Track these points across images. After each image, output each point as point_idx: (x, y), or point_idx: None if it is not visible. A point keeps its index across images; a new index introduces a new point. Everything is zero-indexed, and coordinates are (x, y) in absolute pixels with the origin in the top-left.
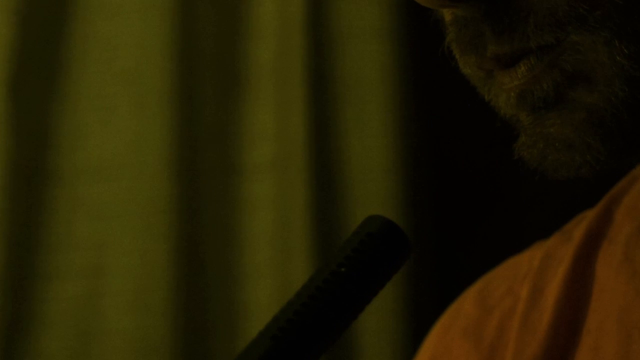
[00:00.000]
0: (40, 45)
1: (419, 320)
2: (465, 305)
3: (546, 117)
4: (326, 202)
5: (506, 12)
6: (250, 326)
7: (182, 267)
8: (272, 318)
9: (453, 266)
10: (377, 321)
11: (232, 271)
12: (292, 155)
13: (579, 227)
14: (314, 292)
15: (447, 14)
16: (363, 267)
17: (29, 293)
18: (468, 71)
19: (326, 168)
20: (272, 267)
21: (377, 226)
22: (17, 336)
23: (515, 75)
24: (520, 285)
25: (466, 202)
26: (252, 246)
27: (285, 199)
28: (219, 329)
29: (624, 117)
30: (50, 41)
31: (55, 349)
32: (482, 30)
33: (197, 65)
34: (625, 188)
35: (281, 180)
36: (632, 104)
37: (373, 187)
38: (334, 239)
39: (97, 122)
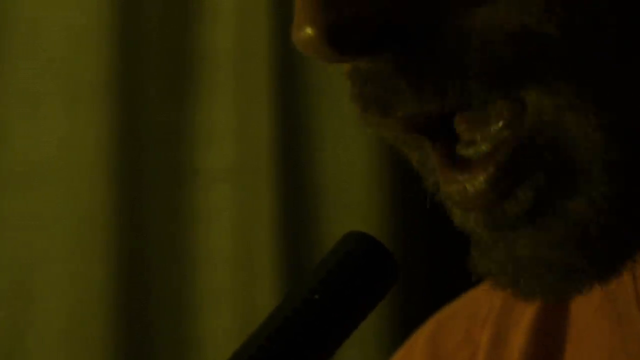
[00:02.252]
0: None
1: None
2: (415, 355)
3: (515, 236)
4: (296, 215)
5: (430, 60)
6: None
7: (123, 292)
8: (231, 355)
9: (448, 292)
10: (358, 358)
11: (183, 297)
12: (255, 159)
13: None
14: (282, 323)
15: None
16: (341, 293)
17: None
18: (382, 133)
19: (296, 174)
20: (231, 293)
21: (358, 244)
22: None
23: (472, 192)
24: (480, 330)
25: None
26: (207, 267)
27: (247, 211)
28: None
29: (614, 223)
30: None
31: None
32: (394, 86)
33: (140, 53)
34: None
35: (242, 189)
36: (622, 204)
37: (352, 197)
38: (306, 259)
39: (22, 120)
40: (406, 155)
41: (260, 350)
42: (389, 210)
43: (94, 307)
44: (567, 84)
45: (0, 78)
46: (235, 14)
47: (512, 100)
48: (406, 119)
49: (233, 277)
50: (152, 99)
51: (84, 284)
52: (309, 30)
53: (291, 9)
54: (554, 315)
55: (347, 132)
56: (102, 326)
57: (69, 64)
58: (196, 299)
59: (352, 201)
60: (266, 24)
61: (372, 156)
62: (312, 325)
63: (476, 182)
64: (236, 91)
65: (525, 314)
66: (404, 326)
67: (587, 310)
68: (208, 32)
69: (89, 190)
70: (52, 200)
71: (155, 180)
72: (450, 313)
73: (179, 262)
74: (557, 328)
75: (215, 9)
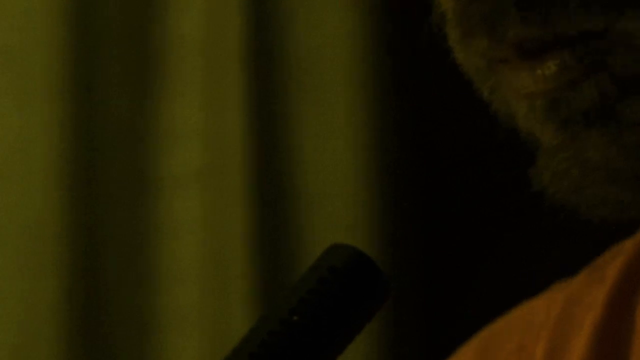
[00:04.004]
0: None
1: None
2: None
3: (585, 136)
4: (273, 225)
5: None
6: None
7: (77, 313)
8: None
9: (444, 312)
10: None
11: (145, 318)
12: (226, 162)
13: (613, 264)
14: (257, 349)
15: None
16: (323, 314)
17: None
18: (465, 58)
19: (273, 179)
20: (199, 313)
21: (343, 259)
22: None
23: (541, 75)
24: (534, 342)
25: (463, 228)
26: (172, 284)
27: (218, 221)
28: None
29: None
30: None
31: None
32: (503, 5)
33: (98, 44)
34: None
35: (212, 196)
36: None
37: (337, 205)
38: (284, 275)
39: None
40: (478, 83)
41: None
42: (379, 219)
43: (45, 328)
44: None
45: None
46: (206, 1)
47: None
48: (517, 41)
49: (202, 295)
50: (111, 95)
51: (34, 302)
52: None
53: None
54: (618, 323)
55: (330, 131)
56: (54, 348)
57: (17, 55)
58: (160, 320)
59: (336, 209)
60: (240, 11)
61: (360, 158)
62: (290, 350)
63: (546, 66)
64: (205, 86)
65: (586, 322)
66: (395, 351)
67: None
68: (174, 19)
69: (39, 198)
70: None
71: (113, 186)
72: (503, 324)
73: (141, 279)
74: (621, 338)
75: None
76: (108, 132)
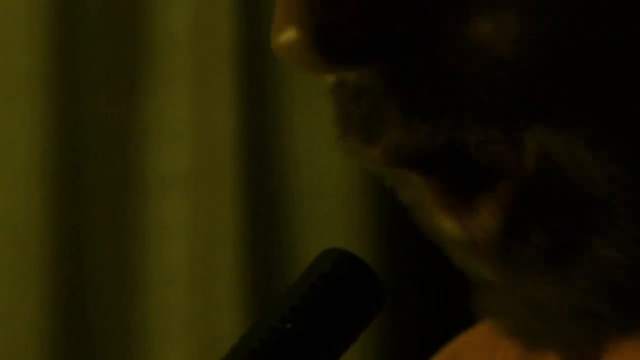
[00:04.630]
0: None
1: None
2: None
3: (531, 281)
4: (264, 228)
5: (427, 81)
6: None
7: (60, 322)
8: None
9: (443, 320)
10: None
11: (131, 325)
12: (215, 162)
13: None
14: (248, 358)
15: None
16: (317, 322)
17: None
18: (359, 161)
19: (264, 180)
20: (187, 320)
21: (337, 264)
22: None
23: (477, 227)
24: (505, 356)
25: None
26: (160, 290)
27: (207, 223)
28: None
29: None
30: None
31: None
32: (383, 106)
33: (83, 40)
34: None
35: (201, 197)
36: None
37: (331, 206)
38: (276, 280)
39: None
40: (396, 193)
41: None
42: (374, 222)
43: (27, 338)
44: (587, 118)
45: None
46: None
47: (511, 144)
48: (393, 148)
49: (190, 301)
50: (95, 93)
51: (15, 310)
52: (292, 32)
53: None
54: None
55: (324, 130)
56: (38, 355)
57: None
58: (147, 328)
59: (330, 210)
60: (230, 7)
61: (354, 160)
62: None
63: (483, 222)
64: (193, 82)
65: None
66: (392, 355)
67: None
68: (161, 15)
69: (20, 200)
70: None
71: (98, 187)
72: (467, 344)
73: (127, 285)
74: None
75: None
76: (92, 132)
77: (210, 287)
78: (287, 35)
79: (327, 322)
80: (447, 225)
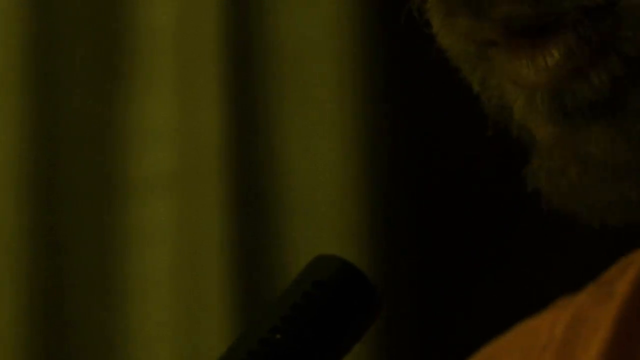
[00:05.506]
0: None
1: None
2: None
3: (586, 129)
4: (253, 233)
5: None
6: None
7: (37, 333)
8: None
9: (440, 323)
10: None
11: (112, 338)
12: (201, 164)
13: (623, 279)
14: None
15: None
16: (308, 333)
17: None
18: (450, 44)
19: (253, 183)
20: (172, 331)
21: (330, 271)
22: None
23: (543, 64)
24: None
25: (458, 234)
26: (142, 299)
27: (192, 229)
28: None
29: None
30: None
31: None
32: None
33: (61, 35)
34: None
35: (186, 202)
36: None
37: (323, 211)
38: (265, 289)
39: None
40: (466, 72)
41: None
42: (370, 226)
43: (2, 346)
44: None
45: None
46: None
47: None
48: (503, 21)
49: (174, 311)
50: (75, 91)
51: None
52: None
53: None
54: (628, 343)
55: (317, 130)
56: None
57: None
58: (128, 340)
59: (322, 215)
60: (216, 0)
61: (349, 160)
62: None
63: (548, 53)
64: (178, 81)
65: (593, 343)
66: None
67: None
68: (143, 8)
69: None
70: None
71: (77, 190)
72: (501, 345)
73: (107, 295)
74: (631, 358)
75: None
76: (72, 132)
77: (195, 295)
78: None
79: (319, 333)
80: (516, 65)
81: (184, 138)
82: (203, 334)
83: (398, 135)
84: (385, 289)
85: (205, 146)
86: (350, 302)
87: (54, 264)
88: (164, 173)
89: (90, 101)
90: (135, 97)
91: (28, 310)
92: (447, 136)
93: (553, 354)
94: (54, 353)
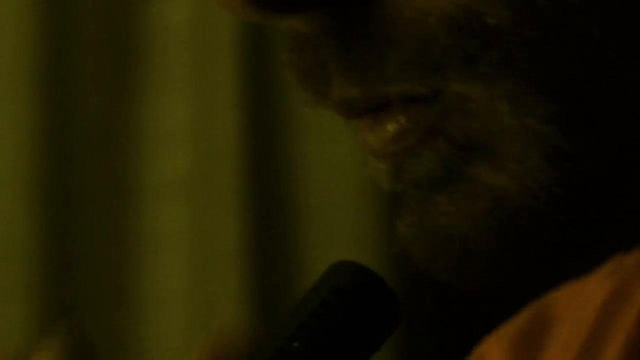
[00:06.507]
0: None
1: None
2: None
3: (433, 200)
4: (269, 239)
5: (358, 36)
6: None
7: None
8: None
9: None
10: None
11: (126, 346)
12: (217, 169)
13: None
14: None
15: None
16: (327, 341)
17: None
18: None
19: (269, 188)
20: (186, 338)
21: (348, 278)
22: None
23: (382, 134)
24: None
25: None
26: (156, 307)
27: (207, 235)
28: None
29: (550, 213)
30: None
31: None
32: (323, 59)
33: (73, 35)
34: None
35: (201, 207)
36: (564, 193)
37: (341, 216)
38: (282, 296)
39: None
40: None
41: None
42: (388, 232)
43: None
44: (511, 77)
45: None
46: None
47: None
48: (339, 100)
49: (189, 319)
50: (87, 92)
51: (1, 328)
52: None
53: None
54: None
55: (334, 133)
56: None
57: None
58: (143, 345)
59: (341, 220)
60: None
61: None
62: None
63: (384, 128)
64: (193, 82)
65: (625, 322)
66: None
67: None
68: (157, 7)
69: (5, 209)
70: None
71: (90, 195)
72: (557, 297)
73: (121, 303)
74: None
75: None
76: (84, 135)
77: (210, 303)
78: None
79: (337, 341)
80: (366, 137)
81: (199, 141)
82: None
83: None
84: (404, 295)
85: (221, 150)
86: (369, 310)
87: (66, 270)
88: (178, 177)
89: (102, 103)
90: (149, 99)
91: (40, 317)
92: None
93: (590, 325)
94: None
